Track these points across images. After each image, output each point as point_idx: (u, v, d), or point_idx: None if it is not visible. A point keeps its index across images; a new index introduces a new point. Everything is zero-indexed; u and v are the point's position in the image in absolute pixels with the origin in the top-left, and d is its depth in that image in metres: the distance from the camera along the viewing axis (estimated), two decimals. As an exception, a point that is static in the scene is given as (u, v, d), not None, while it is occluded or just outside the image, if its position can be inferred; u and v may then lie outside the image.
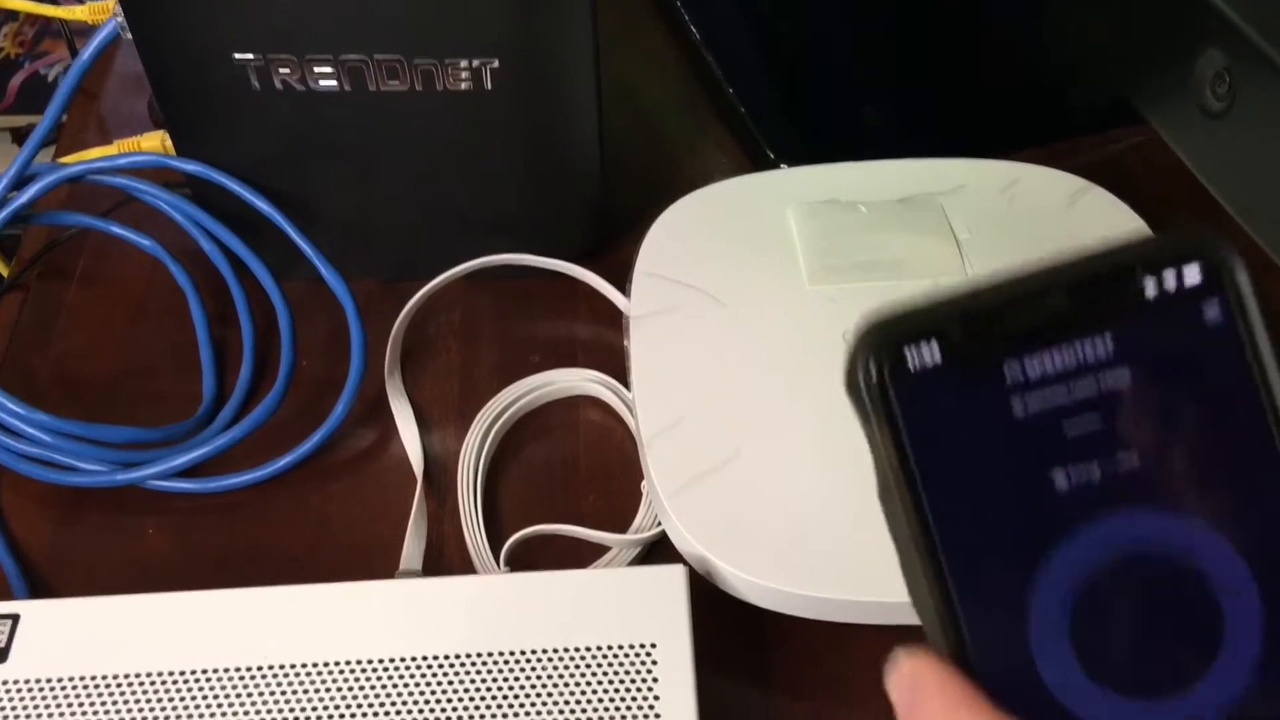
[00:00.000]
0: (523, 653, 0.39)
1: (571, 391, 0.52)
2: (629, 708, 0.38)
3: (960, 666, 0.23)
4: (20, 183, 0.51)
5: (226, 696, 0.38)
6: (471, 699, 0.38)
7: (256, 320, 0.53)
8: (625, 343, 0.50)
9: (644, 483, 0.48)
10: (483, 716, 0.38)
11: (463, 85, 0.48)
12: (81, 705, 0.38)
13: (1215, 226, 0.24)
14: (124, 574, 0.47)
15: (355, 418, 0.51)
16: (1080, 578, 0.23)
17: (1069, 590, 0.23)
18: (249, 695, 0.38)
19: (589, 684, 0.38)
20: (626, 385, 0.49)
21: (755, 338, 0.48)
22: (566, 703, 0.38)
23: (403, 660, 0.39)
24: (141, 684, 0.38)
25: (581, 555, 0.47)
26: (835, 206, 0.52)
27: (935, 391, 0.23)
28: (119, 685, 0.38)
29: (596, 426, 0.51)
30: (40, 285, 0.57)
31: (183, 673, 0.39)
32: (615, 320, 0.53)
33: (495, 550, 0.46)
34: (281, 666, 0.39)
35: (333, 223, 0.53)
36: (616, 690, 0.38)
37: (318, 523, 0.48)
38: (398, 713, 0.38)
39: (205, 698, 0.38)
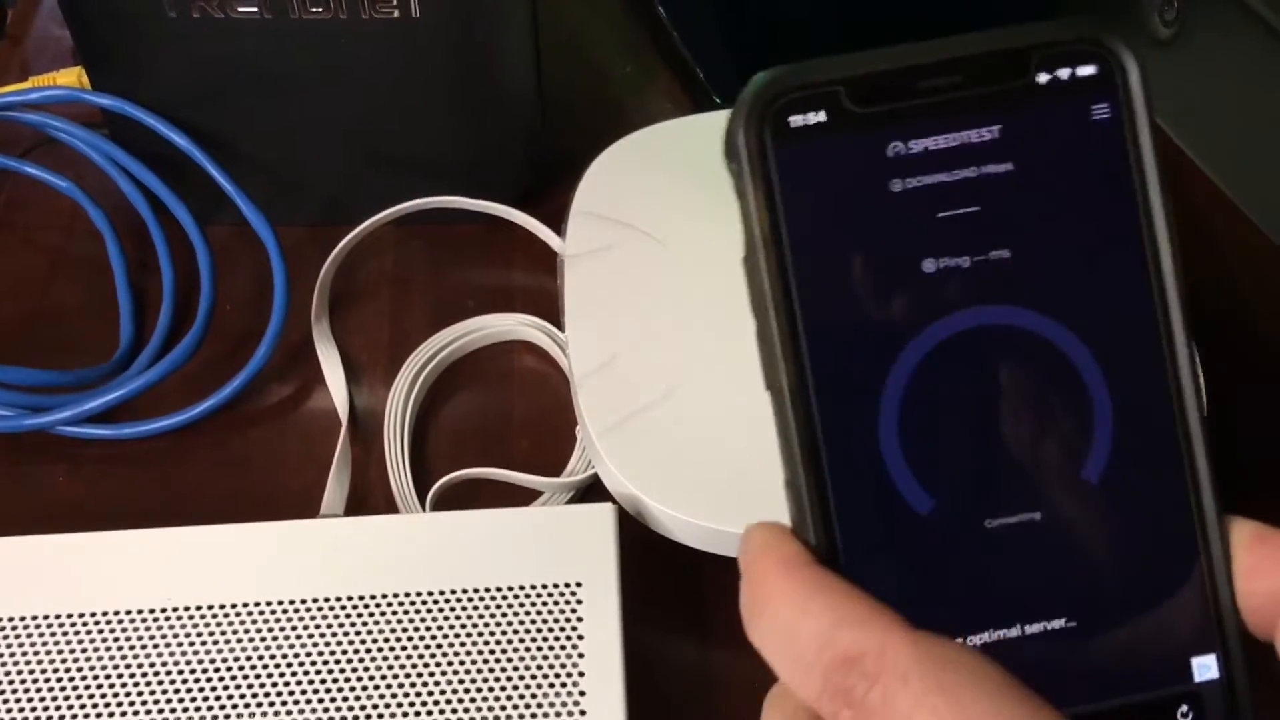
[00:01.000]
0: (442, 593, 0.37)
1: (506, 336, 0.50)
2: (551, 647, 0.36)
3: (810, 447, 0.22)
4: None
5: (139, 639, 0.36)
6: (390, 640, 0.36)
7: (177, 265, 0.51)
8: (559, 283, 0.48)
9: (577, 428, 0.46)
10: (403, 657, 0.36)
11: (390, 13, 0.46)
12: (-27, 650, 0.36)
13: (1117, 26, 0.23)
14: (33, 523, 0.44)
15: (280, 364, 0.49)
16: (939, 369, 0.22)
17: (925, 381, 0.22)
18: (161, 638, 0.36)
19: (512, 624, 0.36)
20: (561, 329, 0.48)
21: (692, 276, 0.46)
22: (488, 643, 0.36)
23: (322, 600, 0.37)
24: (50, 626, 0.36)
25: (513, 502, 0.45)
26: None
27: (815, 157, 0.22)
28: (28, 627, 0.36)
29: (531, 372, 0.50)
30: (-46, 230, 0.55)
31: (93, 614, 0.37)
32: (553, 266, 0.51)
33: (422, 496, 0.45)
34: (196, 608, 0.37)
35: (258, 163, 0.51)
36: (540, 630, 0.36)
37: (237, 471, 0.46)
38: (319, 654, 0.36)
39: (116, 640, 0.36)
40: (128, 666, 0.36)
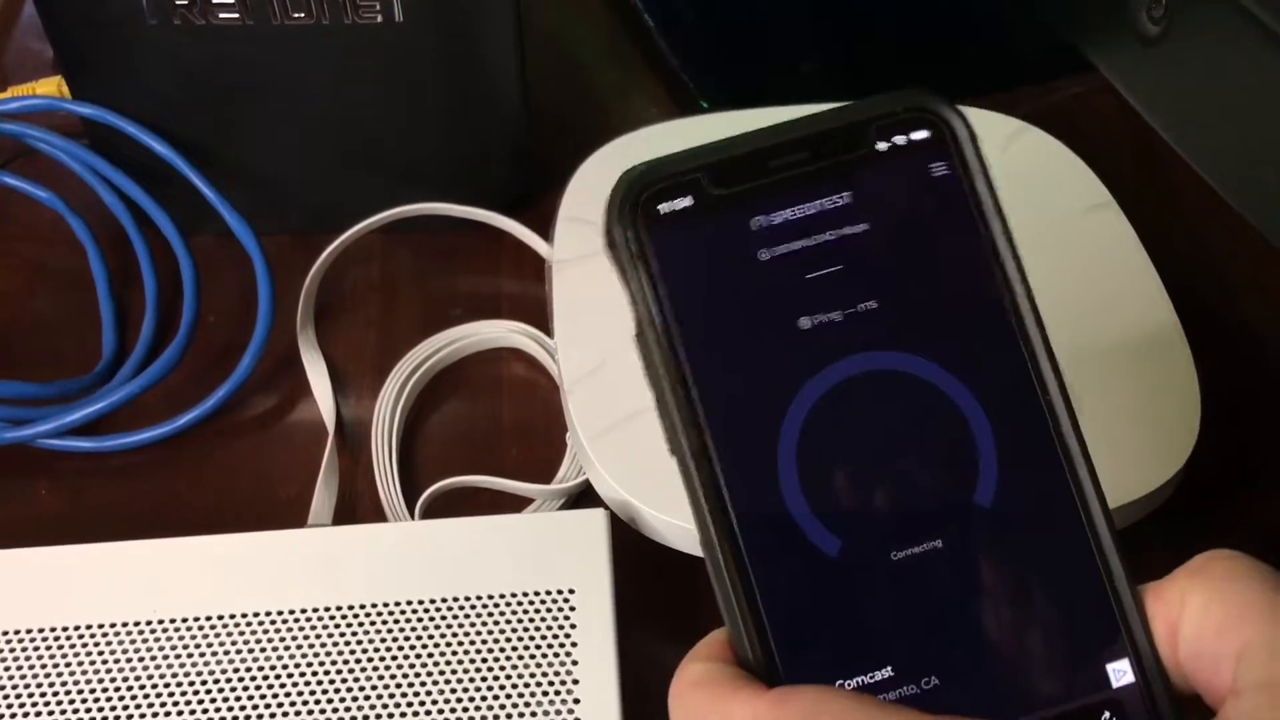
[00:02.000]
0: (434, 601, 0.36)
1: (494, 344, 0.49)
2: (544, 654, 0.35)
3: (717, 505, 0.24)
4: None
5: (124, 652, 0.35)
6: (382, 649, 0.35)
7: (160, 275, 0.50)
8: (548, 289, 0.48)
9: (568, 435, 0.46)
10: (394, 666, 0.35)
11: (374, 18, 0.45)
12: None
13: (938, 93, 0.26)
14: (14, 537, 0.43)
15: (266, 374, 0.48)
16: (827, 417, 0.24)
17: (816, 429, 0.24)
18: (148, 650, 0.35)
19: (504, 631, 0.36)
20: (550, 336, 0.47)
21: (683, 279, 0.45)
22: (480, 651, 0.35)
23: (312, 611, 0.36)
24: (34, 640, 0.36)
25: (503, 510, 0.44)
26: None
27: (686, 238, 0.24)
28: (10, 641, 0.36)
29: (520, 380, 0.49)
30: (-67, 243, 0.54)
31: (77, 628, 0.36)
32: (541, 272, 0.50)
33: (411, 506, 0.44)
34: (183, 620, 0.36)
35: (241, 171, 0.50)
36: (533, 637, 0.36)
37: (223, 482, 0.46)
38: (309, 665, 0.35)
39: (101, 654, 0.35)
40: (113, 680, 0.35)
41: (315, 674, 0.35)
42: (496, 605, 0.36)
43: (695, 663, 0.24)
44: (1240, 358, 0.49)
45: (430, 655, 0.35)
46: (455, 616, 0.36)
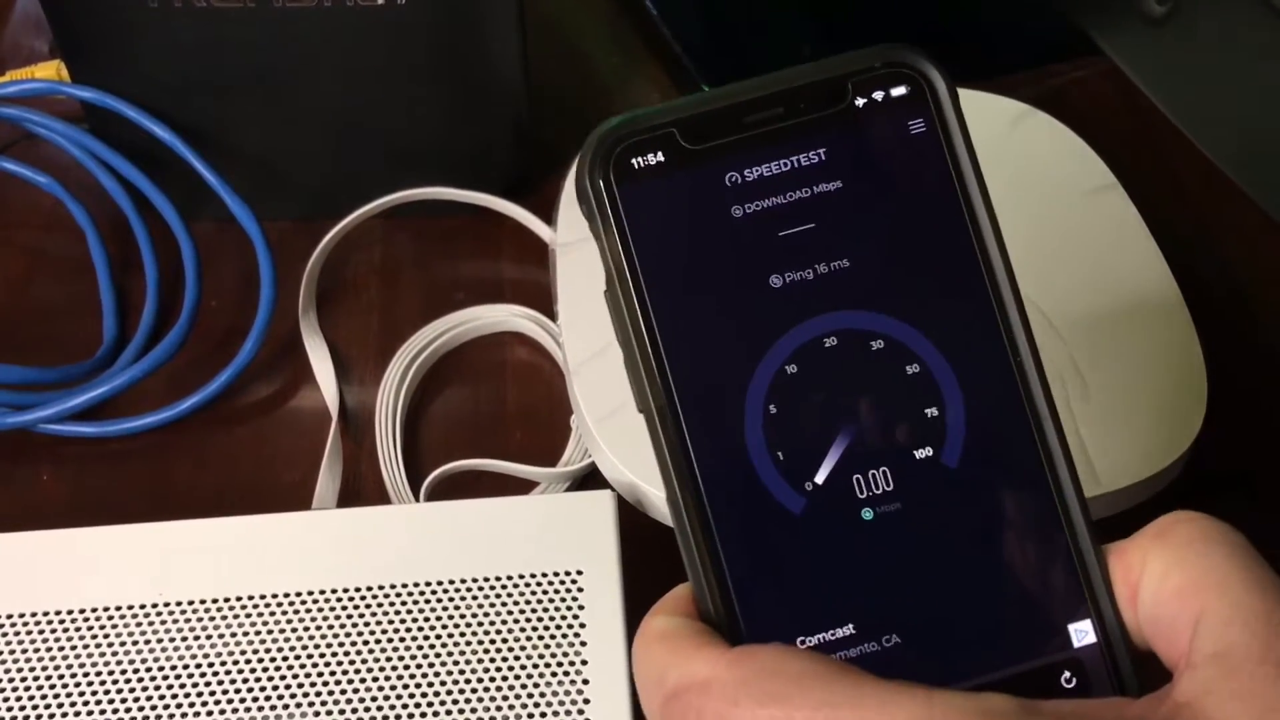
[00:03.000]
0: (441, 583, 0.36)
1: (498, 327, 0.49)
2: (553, 635, 0.35)
3: (683, 462, 0.24)
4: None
5: (129, 635, 0.35)
6: (389, 632, 0.35)
7: (161, 260, 0.50)
8: (552, 272, 0.47)
9: (573, 418, 0.45)
10: (402, 648, 0.35)
11: (374, 1, 0.45)
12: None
13: (919, 48, 0.25)
14: (16, 522, 0.43)
15: (267, 359, 0.48)
16: (794, 376, 0.24)
17: (783, 388, 0.24)
18: (153, 633, 0.35)
19: (512, 613, 0.36)
20: (554, 319, 0.47)
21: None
22: (488, 633, 0.35)
23: (320, 593, 0.36)
24: (38, 623, 0.35)
25: (508, 494, 0.44)
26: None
27: (658, 193, 0.24)
28: (14, 624, 0.35)
29: (524, 364, 0.49)
30: (-69, 228, 0.53)
31: (82, 610, 0.35)
32: (544, 257, 0.50)
33: (415, 491, 0.44)
34: (189, 603, 0.36)
35: (242, 156, 0.50)
36: (541, 619, 0.35)
37: (225, 467, 0.46)
38: (316, 647, 0.35)
39: (106, 636, 0.35)
40: (119, 663, 0.35)
41: (323, 656, 0.35)
42: (505, 587, 0.36)
43: (659, 617, 0.24)
44: (1241, 337, 0.49)
45: (438, 637, 0.35)
46: (464, 598, 0.36)
